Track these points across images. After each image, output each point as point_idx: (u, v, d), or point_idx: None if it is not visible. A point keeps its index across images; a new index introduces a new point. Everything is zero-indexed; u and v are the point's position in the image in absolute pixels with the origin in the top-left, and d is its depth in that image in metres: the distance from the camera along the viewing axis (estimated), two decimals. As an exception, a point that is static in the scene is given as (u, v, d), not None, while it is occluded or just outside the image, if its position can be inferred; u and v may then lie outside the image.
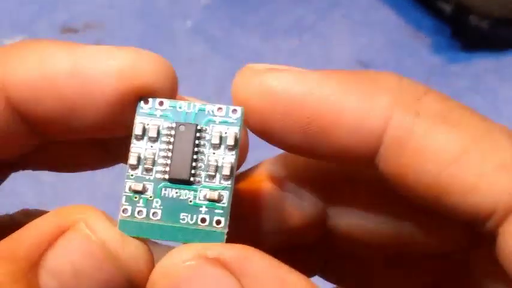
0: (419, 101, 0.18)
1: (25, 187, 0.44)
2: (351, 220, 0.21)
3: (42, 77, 0.18)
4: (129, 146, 0.18)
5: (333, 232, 0.21)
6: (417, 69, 0.51)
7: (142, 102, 0.18)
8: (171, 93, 0.18)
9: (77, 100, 0.18)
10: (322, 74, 0.18)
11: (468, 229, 0.20)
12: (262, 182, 0.21)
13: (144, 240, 0.18)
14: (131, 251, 0.17)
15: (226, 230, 0.18)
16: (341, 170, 0.21)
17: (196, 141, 0.18)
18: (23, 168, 0.22)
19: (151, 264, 0.17)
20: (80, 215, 0.17)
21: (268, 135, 0.19)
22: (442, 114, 0.18)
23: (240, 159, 0.19)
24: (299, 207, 0.21)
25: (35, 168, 0.22)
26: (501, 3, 0.49)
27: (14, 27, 0.52)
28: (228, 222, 0.18)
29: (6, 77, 0.18)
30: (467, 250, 0.21)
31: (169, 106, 0.18)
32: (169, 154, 0.18)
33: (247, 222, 0.20)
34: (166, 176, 0.18)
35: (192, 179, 0.18)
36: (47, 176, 0.45)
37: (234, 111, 0.18)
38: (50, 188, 0.45)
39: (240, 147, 0.18)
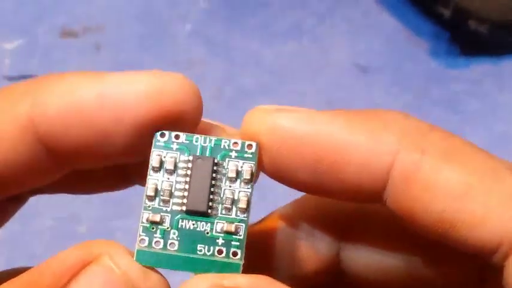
0: (425, 138, 0.18)
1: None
2: (364, 260, 0.21)
3: (70, 108, 0.18)
4: (146, 177, 0.18)
5: (346, 274, 0.21)
6: (416, 74, 0.51)
7: (158, 135, 0.18)
8: (198, 113, 0.19)
9: (106, 127, 0.18)
10: (329, 114, 0.19)
11: (478, 264, 0.20)
12: (275, 222, 0.21)
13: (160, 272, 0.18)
14: (152, 284, 0.18)
15: (242, 262, 0.18)
16: (353, 210, 0.21)
17: (213, 175, 0.18)
18: (42, 193, 0.22)
19: None
20: (103, 249, 0.18)
21: (278, 174, 0.19)
22: (448, 151, 0.18)
23: None
24: (312, 247, 0.21)
25: (52, 192, 0.23)
26: (500, 8, 0.49)
27: (13, 30, 0.52)
28: (244, 254, 0.18)
29: (34, 112, 0.18)
30: (479, 285, 0.21)
31: (186, 140, 0.19)
32: (187, 186, 0.18)
33: (260, 265, 0.20)
34: (184, 208, 0.18)
35: (209, 211, 0.18)
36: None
37: (249, 146, 0.19)
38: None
39: None
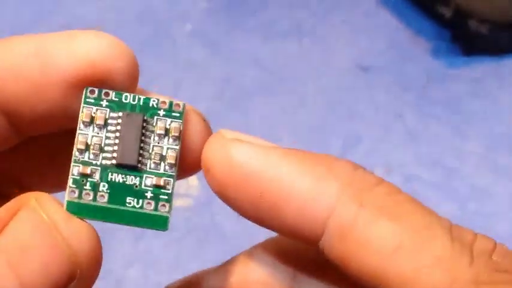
0: (367, 192, 0.18)
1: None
2: None
3: (8, 65, 0.19)
4: (76, 131, 0.19)
5: None
6: (417, 74, 0.51)
7: (88, 91, 0.19)
8: (130, 77, 0.19)
9: (38, 81, 0.19)
10: (281, 152, 0.19)
11: None
12: (232, 265, 0.21)
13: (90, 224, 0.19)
14: (74, 227, 0.18)
15: (170, 215, 0.19)
16: (310, 253, 0.21)
17: (143, 131, 0.19)
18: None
19: (95, 244, 0.18)
20: (31, 196, 0.18)
21: (225, 200, 0.20)
22: (387, 207, 0.18)
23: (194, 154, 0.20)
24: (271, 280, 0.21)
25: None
26: (501, 7, 0.49)
27: (14, 31, 0.52)
28: (172, 208, 0.19)
29: None
30: None
31: (115, 97, 0.19)
32: (117, 141, 0.19)
33: None
34: (114, 162, 0.19)
35: (138, 165, 0.19)
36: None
37: (177, 105, 0.19)
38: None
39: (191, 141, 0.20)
